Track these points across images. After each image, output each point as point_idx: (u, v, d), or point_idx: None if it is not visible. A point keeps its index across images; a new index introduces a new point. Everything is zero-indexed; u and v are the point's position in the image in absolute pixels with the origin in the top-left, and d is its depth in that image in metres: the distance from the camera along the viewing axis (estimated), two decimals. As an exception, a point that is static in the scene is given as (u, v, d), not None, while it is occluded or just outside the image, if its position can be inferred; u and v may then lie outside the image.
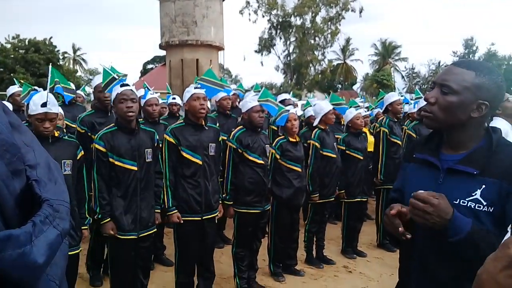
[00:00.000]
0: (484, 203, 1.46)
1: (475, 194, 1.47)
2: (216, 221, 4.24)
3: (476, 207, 1.47)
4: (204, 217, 3.87)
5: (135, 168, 3.49)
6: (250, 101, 4.35)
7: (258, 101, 4.36)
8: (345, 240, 5.68)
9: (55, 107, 3.17)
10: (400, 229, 1.51)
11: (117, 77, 3.85)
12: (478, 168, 1.48)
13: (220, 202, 4.09)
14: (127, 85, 3.51)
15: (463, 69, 1.52)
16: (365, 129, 5.84)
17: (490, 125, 1.62)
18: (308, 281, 4.79)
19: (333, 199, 5.25)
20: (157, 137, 3.74)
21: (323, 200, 5.10)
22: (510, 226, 1.42)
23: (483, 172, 1.47)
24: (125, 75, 4.62)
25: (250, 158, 4.19)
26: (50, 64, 4.65)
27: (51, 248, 0.69)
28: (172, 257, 4.97)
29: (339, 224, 6.56)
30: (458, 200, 1.50)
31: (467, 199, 1.49)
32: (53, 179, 0.77)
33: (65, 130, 4.46)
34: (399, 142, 5.71)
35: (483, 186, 1.46)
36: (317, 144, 5.01)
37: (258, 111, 4.26)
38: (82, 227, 3.37)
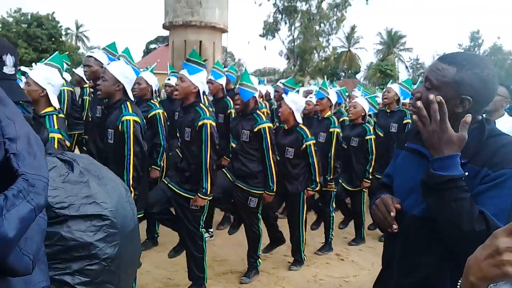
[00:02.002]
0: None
1: None
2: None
3: None
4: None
5: (101, 145, 3.52)
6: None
7: (239, 84, 4.35)
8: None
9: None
10: (394, 226, 1.53)
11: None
12: (466, 158, 1.47)
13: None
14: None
15: (445, 65, 1.51)
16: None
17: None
18: (300, 268, 4.82)
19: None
20: (122, 119, 3.33)
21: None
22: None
23: (471, 161, 1.47)
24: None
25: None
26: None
27: (23, 222, 0.69)
28: (163, 238, 5.02)
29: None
30: None
31: None
32: (33, 153, 0.77)
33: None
34: (381, 133, 5.77)
35: (467, 173, 1.44)
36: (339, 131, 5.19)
37: (235, 94, 4.33)
38: None
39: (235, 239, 5.04)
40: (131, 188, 3.35)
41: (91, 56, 4.57)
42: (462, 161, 1.47)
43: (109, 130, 3.38)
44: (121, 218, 1.13)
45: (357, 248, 5.55)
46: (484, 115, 1.62)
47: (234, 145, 4.27)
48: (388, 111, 5.90)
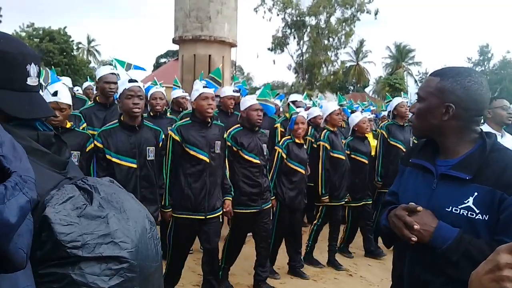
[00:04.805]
0: (477, 211, 1.44)
1: (467, 202, 1.46)
2: (220, 219, 4.24)
3: (469, 215, 1.45)
4: (207, 216, 3.84)
5: (134, 166, 3.46)
6: (249, 100, 4.37)
7: (257, 99, 4.36)
8: (346, 241, 5.74)
9: (66, 98, 3.25)
10: (413, 238, 1.48)
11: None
12: (470, 173, 1.47)
13: (229, 198, 4.06)
14: (135, 81, 3.50)
15: (431, 77, 1.60)
16: (368, 134, 5.78)
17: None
18: (307, 283, 4.78)
19: (344, 202, 5.20)
20: (163, 136, 3.71)
21: (335, 203, 5.10)
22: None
23: (476, 178, 1.46)
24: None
25: (246, 157, 4.19)
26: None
27: (22, 211, 0.73)
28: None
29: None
30: (451, 207, 1.49)
31: (459, 207, 1.47)
32: (18, 157, 0.80)
33: None
34: (398, 145, 5.58)
35: (476, 194, 1.45)
36: (326, 145, 4.99)
37: (256, 109, 4.25)
38: None
39: (242, 253, 5.01)
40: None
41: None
42: (467, 178, 1.47)
43: (149, 148, 3.54)
44: (141, 260, 1.02)
45: (366, 263, 5.51)
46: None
47: (255, 161, 4.23)
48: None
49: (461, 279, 1.37)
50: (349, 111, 7.03)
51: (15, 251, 0.75)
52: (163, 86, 5.86)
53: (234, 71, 28.83)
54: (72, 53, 36.48)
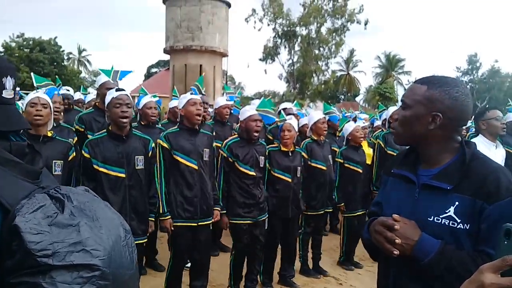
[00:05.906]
0: (458, 220, 1.44)
1: (449, 211, 1.46)
2: (212, 228, 4.19)
3: (451, 225, 1.45)
4: (199, 223, 3.85)
5: (123, 175, 3.44)
6: (248, 110, 4.36)
7: (256, 110, 4.36)
8: (344, 253, 5.66)
9: (45, 96, 3.37)
10: (395, 252, 1.47)
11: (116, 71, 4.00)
12: (451, 183, 1.47)
13: (218, 209, 4.07)
14: (123, 89, 3.50)
15: (417, 85, 1.58)
16: (363, 142, 5.76)
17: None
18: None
19: (322, 212, 5.18)
20: (153, 145, 3.69)
21: (312, 212, 5.10)
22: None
23: (457, 187, 1.46)
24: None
25: (241, 169, 4.16)
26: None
27: None
28: (163, 262, 4.97)
29: (330, 235, 6.62)
30: (433, 217, 1.48)
31: (441, 216, 1.47)
32: None
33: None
34: (395, 154, 5.57)
35: (457, 203, 1.45)
36: (304, 154, 4.97)
37: (255, 120, 4.22)
38: None
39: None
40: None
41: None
42: (448, 187, 1.47)
43: (137, 157, 3.52)
44: (115, 267, 0.99)
45: (356, 272, 5.49)
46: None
47: (250, 173, 4.20)
48: None
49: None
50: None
51: None
52: (156, 96, 5.88)
53: (225, 81, 28.87)
54: (62, 63, 36.40)
